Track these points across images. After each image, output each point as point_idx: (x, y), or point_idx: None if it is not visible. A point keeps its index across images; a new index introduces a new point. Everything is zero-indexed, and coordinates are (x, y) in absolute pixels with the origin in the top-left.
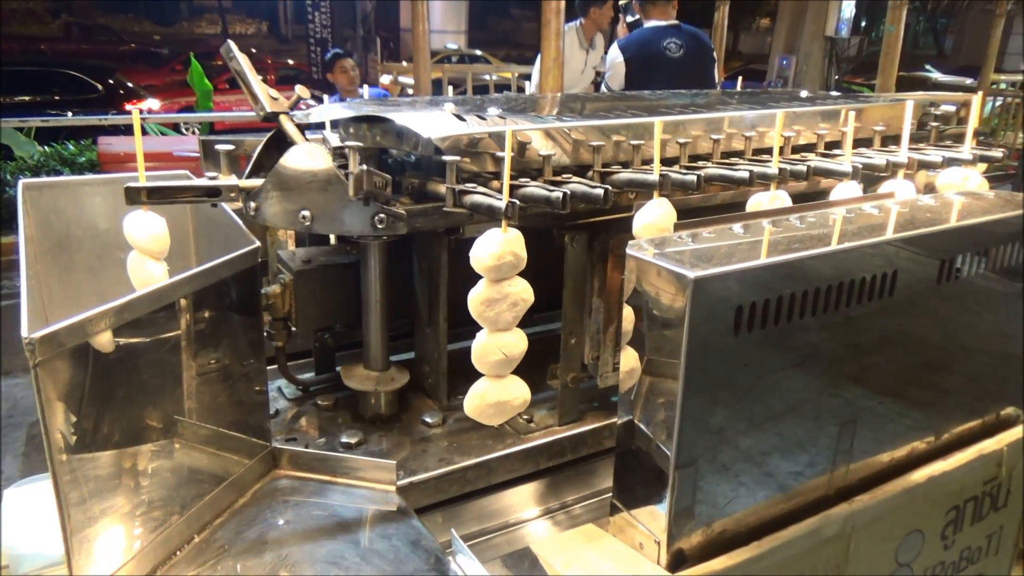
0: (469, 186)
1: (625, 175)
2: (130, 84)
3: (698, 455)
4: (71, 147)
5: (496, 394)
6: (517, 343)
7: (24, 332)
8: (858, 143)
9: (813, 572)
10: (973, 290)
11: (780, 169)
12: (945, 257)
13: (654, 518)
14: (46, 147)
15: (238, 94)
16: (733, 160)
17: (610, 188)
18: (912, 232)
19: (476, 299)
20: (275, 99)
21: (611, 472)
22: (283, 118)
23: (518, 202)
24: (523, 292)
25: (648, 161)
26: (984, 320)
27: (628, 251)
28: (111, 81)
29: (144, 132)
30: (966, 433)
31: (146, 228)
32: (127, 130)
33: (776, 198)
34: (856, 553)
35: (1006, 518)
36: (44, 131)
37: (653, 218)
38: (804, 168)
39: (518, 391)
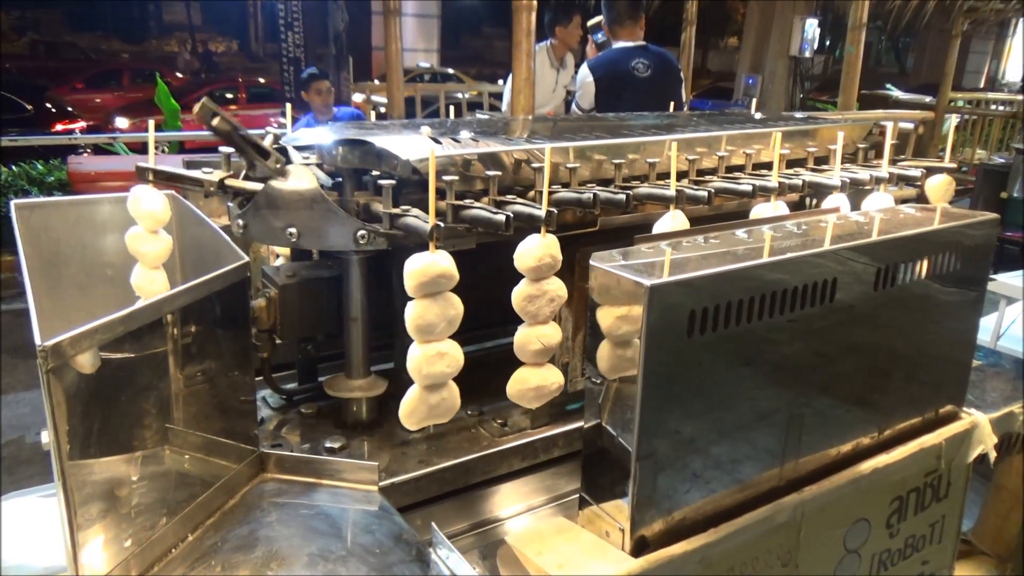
0: (509, 197)
1: (644, 189)
2: (61, 102)
3: (657, 449)
4: (40, 166)
5: (536, 379)
6: (553, 334)
7: (37, 340)
8: (795, 163)
9: (766, 556)
10: (912, 295)
11: (779, 183)
12: (882, 265)
13: (618, 509)
14: (13, 167)
15: None
16: (736, 174)
17: (631, 194)
18: (850, 243)
19: (519, 295)
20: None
21: (580, 470)
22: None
23: (555, 211)
24: (559, 289)
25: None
26: (923, 323)
27: (592, 262)
28: (44, 101)
29: (113, 152)
30: (908, 428)
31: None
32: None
33: (776, 208)
34: (806, 539)
35: (947, 508)
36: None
37: (669, 228)
38: (799, 182)
39: (554, 377)
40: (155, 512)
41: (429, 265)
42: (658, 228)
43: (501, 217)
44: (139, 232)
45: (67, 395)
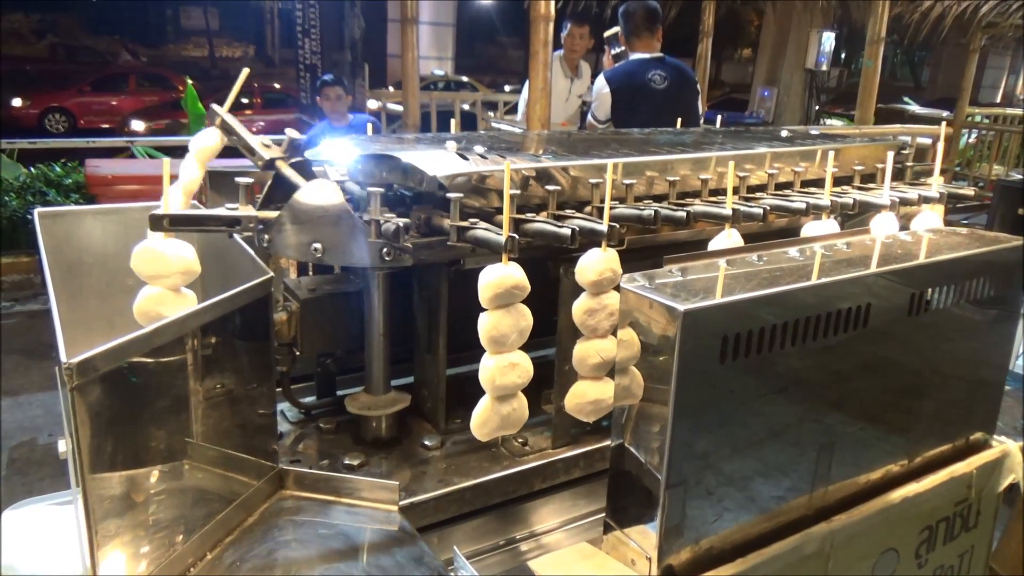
0: (568, 212)
1: (700, 207)
2: None
3: (687, 476)
4: (58, 168)
5: (595, 393)
6: (611, 348)
7: (63, 357)
8: (839, 181)
9: None
10: (944, 320)
11: (831, 201)
12: (916, 290)
13: (645, 536)
14: (31, 168)
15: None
16: (785, 192)
17: (690, 211)
18: (884, 267)
19: (579, 309)
20: (268, 146)
21: (603, 493)
22: (280, 163)
23: (618, 225)
24: (618, 303)
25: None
26: (955, 349)
27: (623, 284)
28: None
29: (132, 155)
30: (938, 456)
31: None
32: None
33: (826, 226)
34: (835, 570)
35: (977, 538)
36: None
37: (725, 246)
38: (851, 200)
39: (611, 391)
40: (175, 529)
41: (504, 277)
42: (713, 246)
43: (567, 231)
44: (157, 293)
45: (91, 412)
